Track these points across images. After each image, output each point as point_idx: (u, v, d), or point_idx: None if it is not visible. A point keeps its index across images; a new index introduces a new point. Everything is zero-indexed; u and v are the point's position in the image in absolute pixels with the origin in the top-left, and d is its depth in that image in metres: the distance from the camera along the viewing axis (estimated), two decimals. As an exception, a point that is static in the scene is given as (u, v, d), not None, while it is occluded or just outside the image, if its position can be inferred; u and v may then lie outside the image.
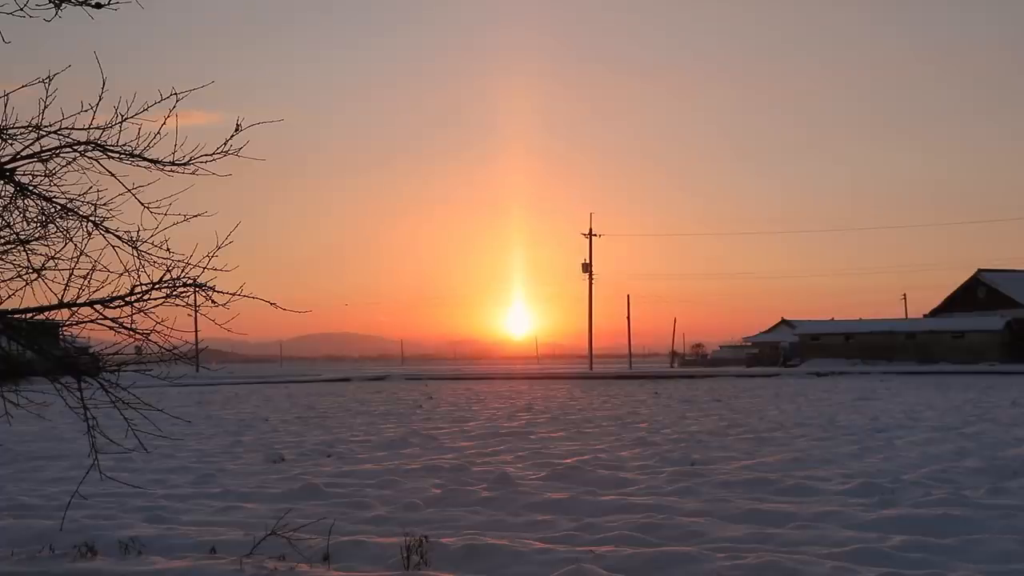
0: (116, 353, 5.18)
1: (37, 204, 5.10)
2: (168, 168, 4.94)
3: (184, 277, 4.98)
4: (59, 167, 4.99)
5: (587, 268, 66.51)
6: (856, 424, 15.86)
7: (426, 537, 5.97)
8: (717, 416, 18.32)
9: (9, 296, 5.10)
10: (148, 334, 5.07)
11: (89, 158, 4.90)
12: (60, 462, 11.66)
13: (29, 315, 5.11)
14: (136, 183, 4.94)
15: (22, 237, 5.17)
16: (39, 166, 4.96)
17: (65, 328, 5.17)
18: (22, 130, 4.80)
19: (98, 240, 5.10)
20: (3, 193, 5.07)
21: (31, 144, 4.84)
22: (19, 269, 5.16)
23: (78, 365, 5.15)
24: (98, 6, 4.66)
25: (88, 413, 5.00)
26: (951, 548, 5.97)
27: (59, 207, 5.08)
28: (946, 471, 9.57)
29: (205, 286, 5.00)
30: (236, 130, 4.87)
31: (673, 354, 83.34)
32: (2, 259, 5.18)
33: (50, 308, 4.99)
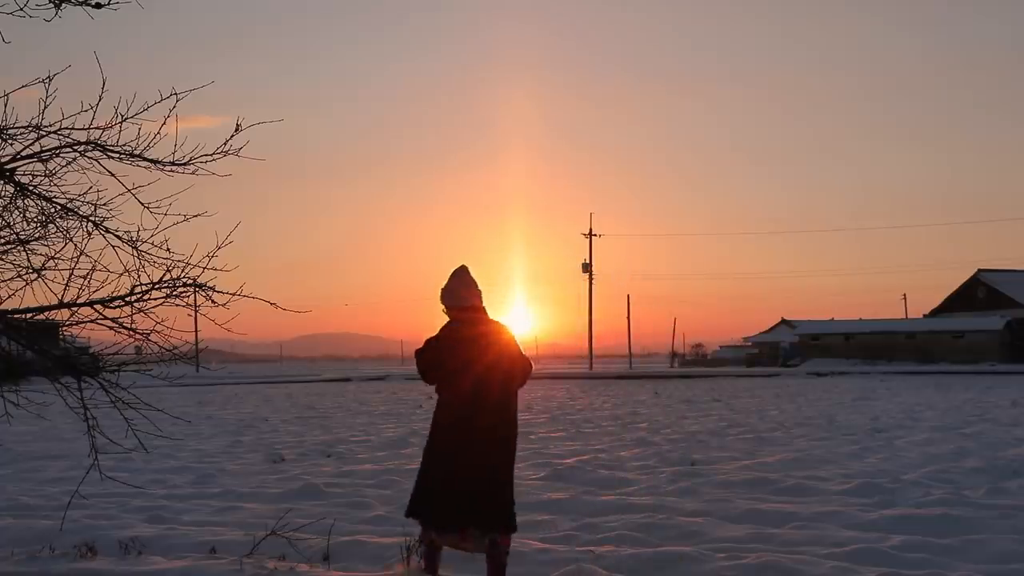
0: (116, 353, 5.17)
1: (37, 204, 5.09)
2: (168, 168, 4.93)
3: (184, 277, 4.97)
4: (59, 167, 4.97)
5: (587, 268, 66.47)
6: (856, 424, 15.85)
7: (426, 537, 5.96)
8: (717, 416, 18.32)
9: (9, 296, 5.10)
10: (148, 334, 5.05)
11: (89, 158, 4.89)
12: (60, 462, 11.66)
13: (29, 315, 5.10)
14: (136, 183, 4.93)
15: (22, 237, 5.16)
16: (39, 166, 4.95)
17: (65, 328, 5.16)
18: (22, 130, 4.79)
19: (98, 240, 5.09)
20: (3, 193, 5.06)
21: (31, 144, 4.83)
22: (19, 269, 5.14)
23: (78, 365, 5.15)
24: (98, 6, 4.65)
25: (88, 413, 5.00)
26: (951, 548, 5.97)
27: (59, 207, 5.07)
28: (946, 471, 9.57)
29: (205, 286, 4.99)
30: (236, 130, 4.86)
31: (673, 354, 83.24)
32: (2, 259, 5.17)
33: (50, 308, 4.98)
